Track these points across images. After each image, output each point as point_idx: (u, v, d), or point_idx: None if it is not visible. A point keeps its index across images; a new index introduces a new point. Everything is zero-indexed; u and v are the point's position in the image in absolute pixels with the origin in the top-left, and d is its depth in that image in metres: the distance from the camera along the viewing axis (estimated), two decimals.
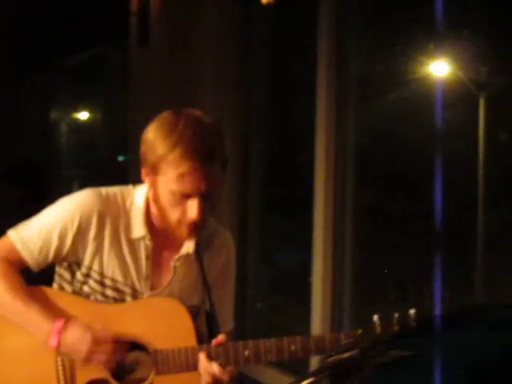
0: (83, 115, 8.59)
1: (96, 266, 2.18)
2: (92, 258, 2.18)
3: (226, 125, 4.80)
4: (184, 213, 2.09)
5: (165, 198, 2.10)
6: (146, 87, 5.15)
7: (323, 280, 3.96)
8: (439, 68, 3.76)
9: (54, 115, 8.74)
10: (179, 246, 2.25)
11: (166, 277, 2.25)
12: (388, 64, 3.98)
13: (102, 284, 2.19)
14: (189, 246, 2.23)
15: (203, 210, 2.09)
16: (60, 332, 2.10)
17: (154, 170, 2.10)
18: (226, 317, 2.36)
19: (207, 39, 4.85)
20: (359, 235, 4.04)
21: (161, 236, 2.22)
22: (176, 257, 2.24)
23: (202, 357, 2.09)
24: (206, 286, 2.21)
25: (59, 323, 2.11)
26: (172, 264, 2.25)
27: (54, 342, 2.10)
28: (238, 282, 2.51)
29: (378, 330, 1.99)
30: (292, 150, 4.80)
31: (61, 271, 2.26)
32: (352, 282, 4.04)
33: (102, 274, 2.18)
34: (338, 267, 3.99)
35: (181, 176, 2.04)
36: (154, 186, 2.13)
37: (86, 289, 2.21)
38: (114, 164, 6.16)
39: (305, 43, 4.40)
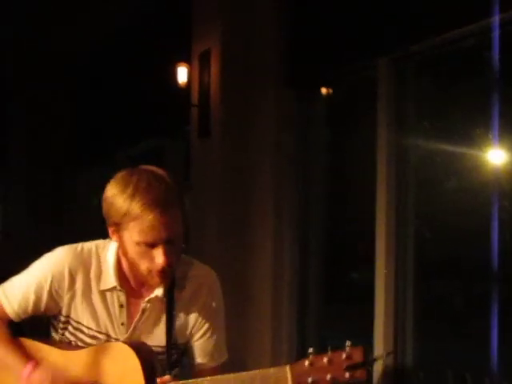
0: None
1: (73, 315, 2.38)
2: (68, 308, 2.38)
3: (285, 215, 4.84)
4: (152, 261, 2.22)
5: (132, 250, 2.23)
6: (205, 177, 5.23)
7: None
8: (496, 156, 3.77)
9: None
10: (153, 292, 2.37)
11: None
12: (446, 153, 4.01)
13: (80, 331, 2.39)
14: (159, 290, 2.34)
15: (170, 255, 2.21)
16: (30, 373, 2.33)
17: (118, 227, 2.23)
18: (215, 353, 2.47)
19: (265, 131, 4.94)
20: (420, 325, 4.02)
21: (135, 286, 2.37)
22: (146, 299, 2.37)
23: None
24: (169, 327, 2.37)
25: (29, 366, 2.34)
26: (141, 306, 2.38)
27: (24, 382, 2.34)
28: None
29: None
30: (353, 239, 4.81)
31: (51, 321, 2.47)
32: (413, 373, 4.00)
33: (78, 322, 2.39)
34: (399, 357, 3.96)
35: (144, 228, 2.16)
36: (121, 241, 2.27)
37: (68, 335, 2.42)
38: None
39: (363, 132, 4.45)
